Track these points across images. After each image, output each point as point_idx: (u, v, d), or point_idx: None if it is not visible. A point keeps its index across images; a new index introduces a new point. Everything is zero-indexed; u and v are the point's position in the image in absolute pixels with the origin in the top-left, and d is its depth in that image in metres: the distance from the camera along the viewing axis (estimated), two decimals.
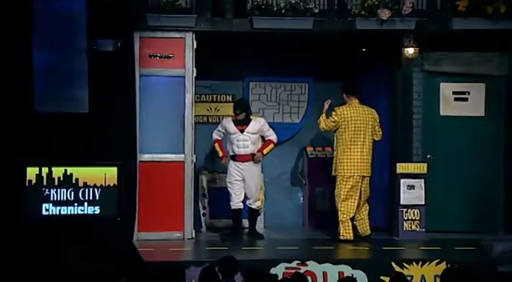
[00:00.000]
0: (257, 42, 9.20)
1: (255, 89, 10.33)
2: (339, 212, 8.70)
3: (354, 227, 8.77)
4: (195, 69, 8.83)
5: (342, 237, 8.68)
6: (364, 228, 8.82)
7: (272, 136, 8.89)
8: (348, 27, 8.85)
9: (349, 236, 8.67)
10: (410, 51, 9.01)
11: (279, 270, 7.37)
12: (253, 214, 8.93)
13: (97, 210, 8.12)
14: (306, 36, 8.98)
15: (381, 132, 8.87)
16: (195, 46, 8.80)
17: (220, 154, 8.88)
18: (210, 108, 10.24)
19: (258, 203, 8.91)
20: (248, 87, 10.30)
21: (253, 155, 8.75)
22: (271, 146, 8.87)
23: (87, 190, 8.09)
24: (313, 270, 7.46)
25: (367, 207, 8.84)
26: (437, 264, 7.58)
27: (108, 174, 8.15)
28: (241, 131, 8.72)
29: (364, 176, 8.72)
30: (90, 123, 8.15)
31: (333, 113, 8.78)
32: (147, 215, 8.66)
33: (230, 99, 10.28)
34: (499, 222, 9.27)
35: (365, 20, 8.78)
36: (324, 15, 8.84)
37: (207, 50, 8.85)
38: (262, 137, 8.95)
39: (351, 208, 8.67)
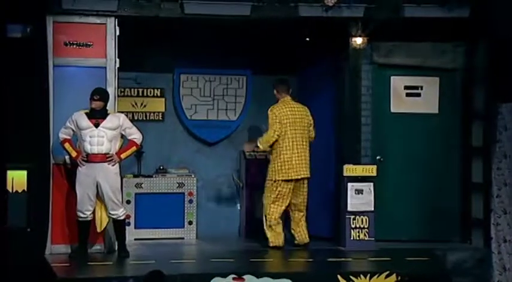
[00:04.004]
0: (189, 30, 9.14)
1: (187, 82, 10.28)
2: (267, 216, 8.86)
3: (292, 236, 8.96)
4: (117, 60, 8.72)
5: (271, 244, 8.85)
6: (303, 235, 8.97)
7: (135, 135, 8.41)
8: (290, 13, 8.85)
9: (279, 242, 8.84)
10: (358, 41, 9.08)
11: None
12: (118, 226, 8.39)
13: None
14: (243, 24, 8.94)
15: (313, 132, 9.01)
16: (117, 33, 8.70)
17: (74, 154, 8.29)
18: (136, 104, 10.17)
19: (122, 211, 8.38)
20: (179, 80, 10.26)
21: (108, 155, 8.26)
22: (134, 148, 8.42)
23: None
24: None
25: (304, 213, 8.97)
26: (387, 276, 7.63)
27: (16, 179, 8.01)
28: (96, 126, 8.27)
29: (299, 179, 8.79)
30: None
31: (270, 114, 8.82)
32: (62, 225, 8.52)
33: (158, 94, 10.22)
34: (454, 230, 9.41)
35: (309, 6, 8.80)
36: (264, 0, 8.79)
37: (131, 37, 8.74)
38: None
39: (278, 212, 8.83)
